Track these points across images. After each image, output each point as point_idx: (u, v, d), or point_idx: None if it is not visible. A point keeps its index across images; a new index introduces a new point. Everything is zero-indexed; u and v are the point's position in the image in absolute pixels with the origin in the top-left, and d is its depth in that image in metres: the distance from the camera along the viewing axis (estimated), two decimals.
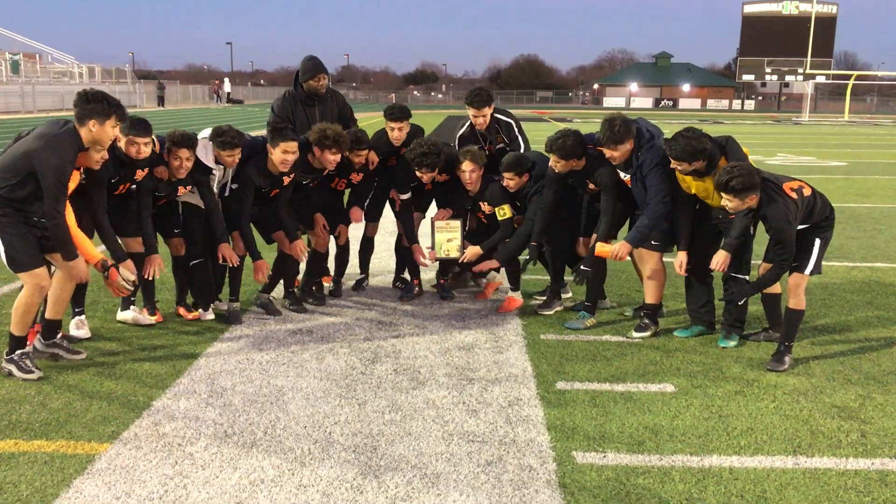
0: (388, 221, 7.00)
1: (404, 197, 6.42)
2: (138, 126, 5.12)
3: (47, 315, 4.92)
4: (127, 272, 5.03)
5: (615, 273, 7.27)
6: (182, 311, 5.95)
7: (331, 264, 6.79)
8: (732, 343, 5.46)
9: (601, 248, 5.52)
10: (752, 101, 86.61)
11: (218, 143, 5.54)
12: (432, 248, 6.41)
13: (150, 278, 5.55)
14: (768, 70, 76.82)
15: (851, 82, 60.04)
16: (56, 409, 4.26)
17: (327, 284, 6.82)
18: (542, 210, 5.90)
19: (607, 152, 5.43)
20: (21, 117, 36.15)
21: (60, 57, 59.36)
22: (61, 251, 4.60)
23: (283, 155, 5.61)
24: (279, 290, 6.36)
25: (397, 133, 6.32)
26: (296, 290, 6.38)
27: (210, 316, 5.92)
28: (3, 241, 4.49)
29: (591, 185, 5.76)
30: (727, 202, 4.85)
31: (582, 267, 5.63)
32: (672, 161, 5.15)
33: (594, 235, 5.76)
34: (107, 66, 60.02)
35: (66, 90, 47.25)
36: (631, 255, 5.81)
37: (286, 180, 5.86)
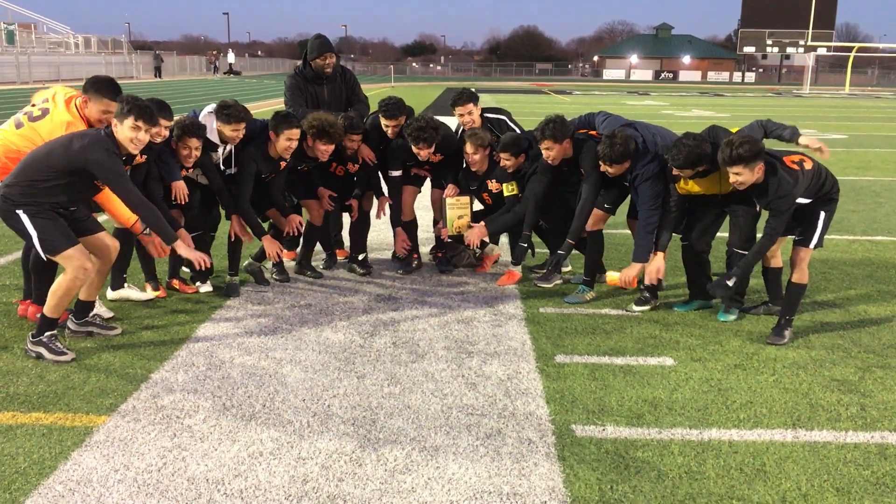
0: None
1: (395, 173, 6.36)
2: (163, 108, 5.02)
3: (81, 297, 4.86)
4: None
5: (615, 246, 7.25)
6: (178, 283, 5.92)
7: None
8: (732, 317, 5.45)
9: (610, 278, 5.53)
10: (753, 74, 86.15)
11: (223, 116, 5.47)
12: (444, 225, 6.40)
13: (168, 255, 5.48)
14: (769, 42, 76.28)
15: (853, 54, 59.63)
16: (54, 381, 4.24)
17: (342, 258, 6.79)
18: (533, 199, 5.92)
19: (603, 166, 5.45)
20: (16, 87, 35.88)
21: (56, 27, 58.80)
22: (159, 234, 4.67)
23: (287, 142, 5.61)
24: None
25: (391, 130, 6.26)
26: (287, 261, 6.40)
27: (208, 288, 5.90)
28: (35, 227, 4.40)
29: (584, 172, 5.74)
30: (737, 176, 4.79)
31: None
32: (675, 170, 5.14)
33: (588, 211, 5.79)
34: (103, 36, 59.58)
35: (61, 61, 46.90)
36: (630, 226, 5.80)
37: (282, 165, 5.84)
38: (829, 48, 68.17)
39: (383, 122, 6.26)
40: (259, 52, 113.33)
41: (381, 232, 7.62)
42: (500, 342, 4.97)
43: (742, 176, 4.78)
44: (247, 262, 6.21)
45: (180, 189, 5.38)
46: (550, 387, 4.29)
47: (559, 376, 4.44)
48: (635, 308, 5.62)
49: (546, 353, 4.79)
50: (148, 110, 4.47)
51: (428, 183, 6.75)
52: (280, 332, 5.11)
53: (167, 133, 5.12)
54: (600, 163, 5.44)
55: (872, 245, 7.77)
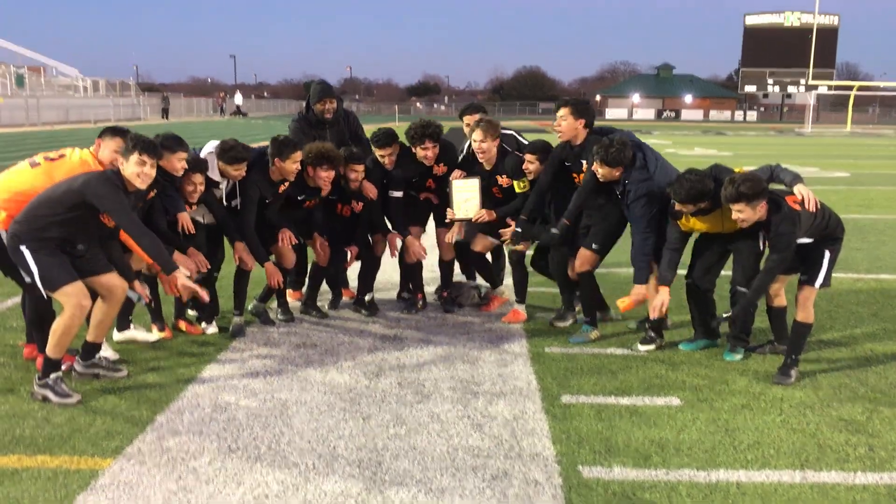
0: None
1: (397, 194, 6.36)
2: (179, 142, 5.17)
3: (88, 338, 4.88)
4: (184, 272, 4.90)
5: (619, 285, 7.25)
6: (184, 324, 5.93)
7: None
8: (738, 356, 5.43)
9: (622, 303, 5.54)
10: (755, 113, 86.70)
11: (227, 158, 5.58)
12: (451, 207, 6.30)
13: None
14: (770, 81, 77.04)
15: (853, 93, 60.09)
16: (59, 424, 4.24)
17: (347, 298, 6.81)
18: (538, 188, 5.94)
19: (595, 166, 5.49)
20: (26, 130, 36.29)
21: (65, 70, 59.59)
22: (160, 265, 4.68)
23: (294, 165, 5.73)
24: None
25: (388, 159, 6.31)
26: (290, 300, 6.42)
27: (213, 329, 5.91)
28: (36, 265, 4.43)
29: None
30: (739, 214, 4.82)
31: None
32: (678, 204, 5.16)
33: (581, 250, 5.84)
34: (111, 79, 60.36)
35: (70, 103, 47.48)
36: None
37: (282, 188, 5.89)
38: (829, 87, 68.74)
39: (377, 153, 6.31)
40: (265, 94, 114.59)
41: (386, 272, 7.64)
42: (506, 382, 4.97)
43: (744, 213, 4.80)
44: (252, 304, 6.22)
45: (185, 220, 5.41)
46: (557, 427, 4.27)
47: (565, 416, 4.42)
48: (640, 347, 5.61)
49: (552, 393, 4.78)
50: (152, 144, 4.57)
51: (431, 221, 6.76)
52: (285, 373, 5.11)
53: (185, 165, 5.21)
54: (594, 163, 5.44)
55: (877, 283, 7.77)
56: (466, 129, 6.45)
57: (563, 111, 5.76)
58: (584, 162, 5.74)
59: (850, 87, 62.94)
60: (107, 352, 5.26)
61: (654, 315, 5.49)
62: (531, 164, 5.97)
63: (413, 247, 6.28)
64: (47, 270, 4.44)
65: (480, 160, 6.21)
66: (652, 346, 5.61)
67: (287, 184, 5.91)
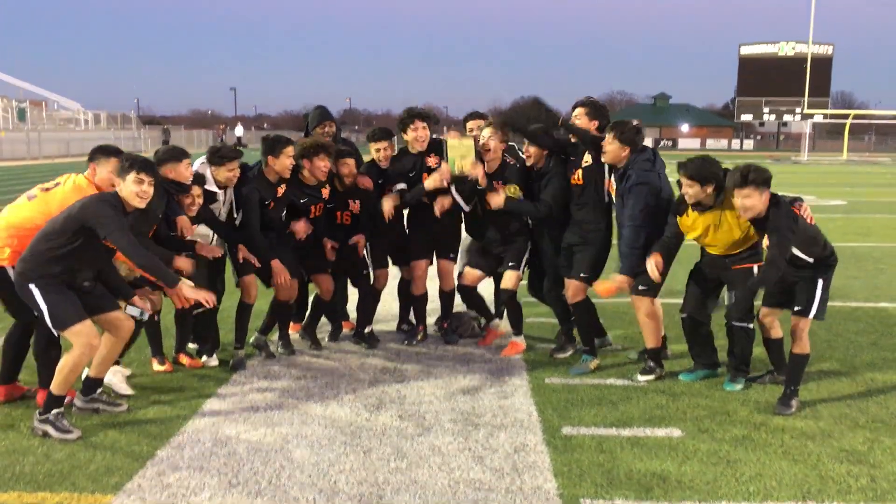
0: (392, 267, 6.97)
1: (400, 186, 6.31)
2: (183, 152, 5.31)
3: (90, 374, 4.87)
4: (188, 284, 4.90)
5: (619, 315, 7.27)
6: (185, 358, 5.93)
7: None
8: (738, 386, 5.43)
9: (601, 286, 5.52)
10: (751, 141, 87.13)
11: (217, 160, 5.62)
12: (446, 161, 6.22)
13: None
14: (766, 110, 77.51)
15: (849, 121, 60.50)
16: (59, 460, 4.23)
17: (347, 330, 6.78)
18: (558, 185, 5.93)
19: (606, 140, 5.57)
20: (27, 164, 36.46)
21: (66, 104, 60.06)
22: (162, 281, 4.68)
23: (287, 160, 5.76)
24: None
25: (383, 153, 6.34)
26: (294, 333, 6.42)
27: (214, 362, 5.91)
28: (45, 302, 4.43)
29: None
30: (746, 200, 4.82)
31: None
32: (684, 184, 5.17)
33: (569, 281, 5.88)
34: (112, 112, 60.81)
35: (71, 137, 47.79)
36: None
37: (280, 191, 5.89)
38: (825, 115, 69.19)
39: (373, 148, 6.35)
40: (265, 125, 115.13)
41: (386, 303, 7.64)
42: (507, 414, 4.96)
43: (751, 199, 4.80)
44: (254, 336, 6.23)
45: (184, 223, 5.39)
46: (558, 459, 4.27)
47: (566, 448, 4.42)
48: (640, 378, 5.61)
49: (553, 424, 4.78)
50: (147, 162, 4.61)
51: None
52: (286, 406, 5.10)
53: (192, 173, 5.32)
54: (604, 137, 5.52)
55: (876, 312, 7.78)
56: (469, 134, 6.45)
57: (578, 110, 5.80)
58: (582, 160, 5.76)
59: (845, 116, 63.38)
60: (122, 385, 5.29)
61: (652, 274, 5.34)
62: (531, 148, 5.99)
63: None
64: (57, 308, 4.44)
65: (485, 158, 6.14)
66: (652, 377, 5.61)
67: (285, 186, 5.90)
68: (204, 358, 5.93)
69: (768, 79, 75.01)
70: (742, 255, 5.30)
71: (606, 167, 5.72)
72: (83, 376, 4.89)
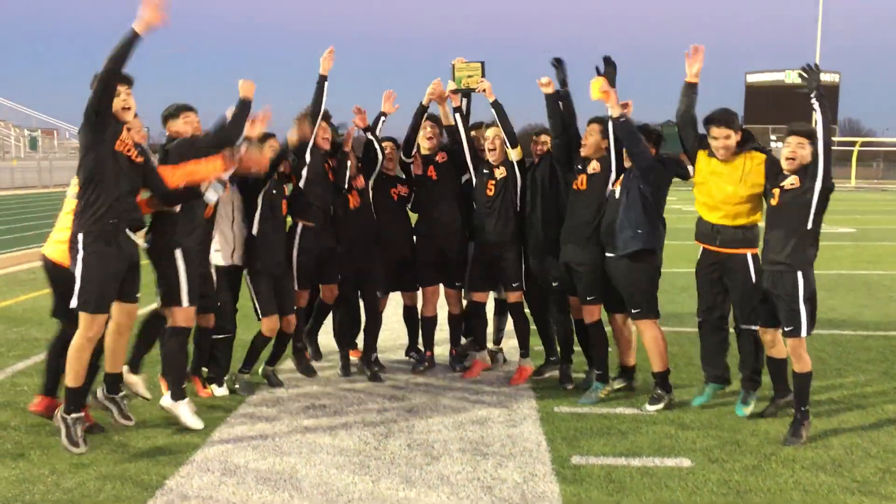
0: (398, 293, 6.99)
1: (418, 173, 6.48)
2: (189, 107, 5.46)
3: (106, 369, 4.99)
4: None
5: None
6: (197, 381, 5.92)
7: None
8: (749, 409, 5.39)
9: (596, 84, 5.57)
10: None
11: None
12: (453, 80, 6.31)
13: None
14: (773, 137, 77.48)
15: (857, 148, 60.49)
16: (69, 488, 4.24)
17: (354, 359, 6.67)
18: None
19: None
20: (38, 192, 36.76)
21: (77, 133, 60.62)
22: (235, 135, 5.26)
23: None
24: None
25: (389, 152, 6.45)
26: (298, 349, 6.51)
27: (223, 392, 5.92)
28: (83, 270, 4.57)
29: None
30: (797, 150, 4.99)
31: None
32: (713, 129, 5.26)
33: (584, 307, 5.90)
34: None
35: None
36: (611, 321, 5.89)
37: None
38: (832, 143, 69.17)
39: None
40: None
41: (393, 331, 7.66)
42: (516, 443, 4.95)
43: (804, 149, 4.97)
44: (261, 368, 6.22)
45: (253, 156, 5.47)
46: (567, 490, 4.25)
47: (575, 479, 4.40)
48: (649, 408, 5.58)
49: (562, 454, 4.76)
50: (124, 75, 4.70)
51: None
52: (294, 435, 5.10)
53: (195, 126, 5.41)
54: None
55: (887, 340, 7.73)
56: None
57: (593, 126, 5.83)
58: (588, 166, 5.80)
59: (853, 143, 63.38)
60: (141, 387, 5.43)
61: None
62: (590, 135, 5.90)
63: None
64: (89, 286, 4.57)
65: (491, 159, 6.24)
66: (660, 406, 5.58)
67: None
68: (213, 387, 5.94)
69: (775, 106, 75.17)
70: (736, 234, 5.31)
71: (612, 176, 5.72)
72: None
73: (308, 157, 6.05)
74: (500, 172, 6.21)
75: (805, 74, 5.02)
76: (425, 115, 6.42)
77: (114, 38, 4.51)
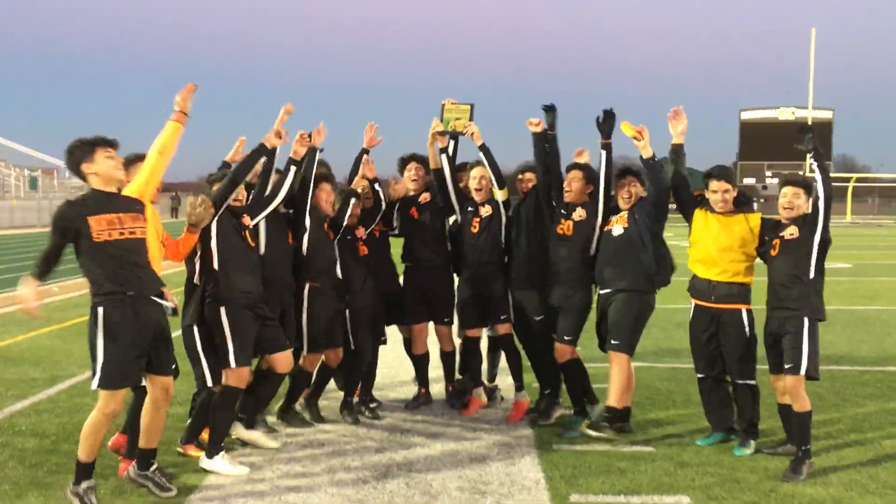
0: (395, 329, 7.00)
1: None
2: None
3: (141, 444, 4.70)
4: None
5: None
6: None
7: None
8: (748, 451, 5.40)
9: (626, 128, 5.71)
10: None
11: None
12: (441, 121, 6.34)
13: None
14: (768, 174, 78.10)
15: (852, 184, 60.90)
16: None
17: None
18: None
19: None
20: (37, 231, 36.80)
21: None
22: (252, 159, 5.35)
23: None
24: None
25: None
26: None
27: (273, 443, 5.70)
28: (103, 350, 4.35)
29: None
30: (793, 200, 5.18)
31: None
32: (712, 182, 5.44)
33: (556, 345, 5.95)
34: None
35: None
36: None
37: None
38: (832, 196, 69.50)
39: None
40: None
41: (391, 368, 7.67)
42: (514, 482, 4.93)
43: (799, 198, 5.16)
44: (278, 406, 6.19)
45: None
46: None
47: None
48: (587, 430, 5.61)
49: (560, 492, 4.75)
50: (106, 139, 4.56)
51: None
52: (292, 474, 5.08)
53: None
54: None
55: (884, 376, 7.74)
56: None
57: (574, 173, 5.98)
58: (573, 213, 5.91)
59: (847, 179, 63.83)
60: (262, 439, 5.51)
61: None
62: (528, 182, 6.26)
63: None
64: (112, 366, 4.34)
65: (475, 198, 6.34)
66: (601, 434, 5.57)
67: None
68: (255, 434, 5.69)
69: (770, 143, 75.77)
70: (731, 289, 5.40)
71: (599, 220, 5.88)
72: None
73: (308, 222, 5.87)
74: (485, 211, 6.33)
75: (802, 138, 5.30)
76: (408, 158, 6.57)
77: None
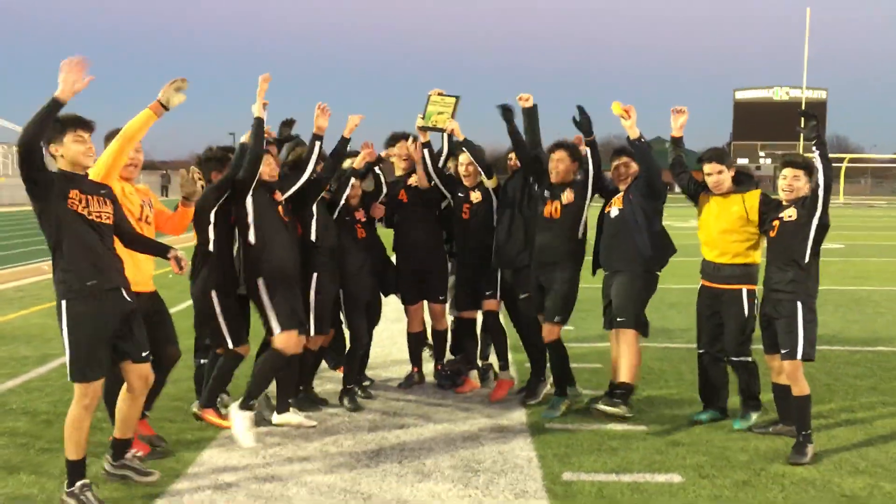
0: (388, 308, 7.00)
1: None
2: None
3: (115, 434, 4.53)
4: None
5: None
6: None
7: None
8: (748, 423, 5.46)
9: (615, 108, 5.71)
10: None
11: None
12: (423, 116, 6.34)
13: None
14: (762, 154, 78.29)
15: (845, 165, 61.02)
16: None
17: (339, 374, 6.49)
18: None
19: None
20: (26, 209, 36.56)
21: None
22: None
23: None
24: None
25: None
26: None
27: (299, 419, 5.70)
28: (69, 341, 4.09)
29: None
30: (795, 181, 5.14)
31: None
32: (705, 165, 5.52)
33: (545, 325, 5.93)
34: None
35: None
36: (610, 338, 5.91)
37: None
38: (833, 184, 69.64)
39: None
40: None
41: (384, 347, 7.67)
42: (507, 460, 4.95)
43: (799, 181, 5.12)
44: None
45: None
46: None
47: (567, 495, 4.41)
48: (601, 406, 5.55)
49: (553, 470, 4.76)
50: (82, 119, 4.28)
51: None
52: (285, 453, 5.09)
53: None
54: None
55: (875, 356, 7.79)
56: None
57: (559, 152, 5.91)
58: (562, 195, 5.86)
59: (840, 160, 63.93)
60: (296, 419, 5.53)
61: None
62: (511, 160, 6.33)
63: None
64: (80, 355, 4.11)
65: (465, 183, 6.36)
66: (615, 411, 5.50)
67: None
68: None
69: (763, 123, 75.93)
70: (734, 270, 5.43)
71: (587, 202, 5.90)
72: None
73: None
74: (475, 196, 6.33)
75: (803, 126, 5.19)
76: (399, 136, 6.51)
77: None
